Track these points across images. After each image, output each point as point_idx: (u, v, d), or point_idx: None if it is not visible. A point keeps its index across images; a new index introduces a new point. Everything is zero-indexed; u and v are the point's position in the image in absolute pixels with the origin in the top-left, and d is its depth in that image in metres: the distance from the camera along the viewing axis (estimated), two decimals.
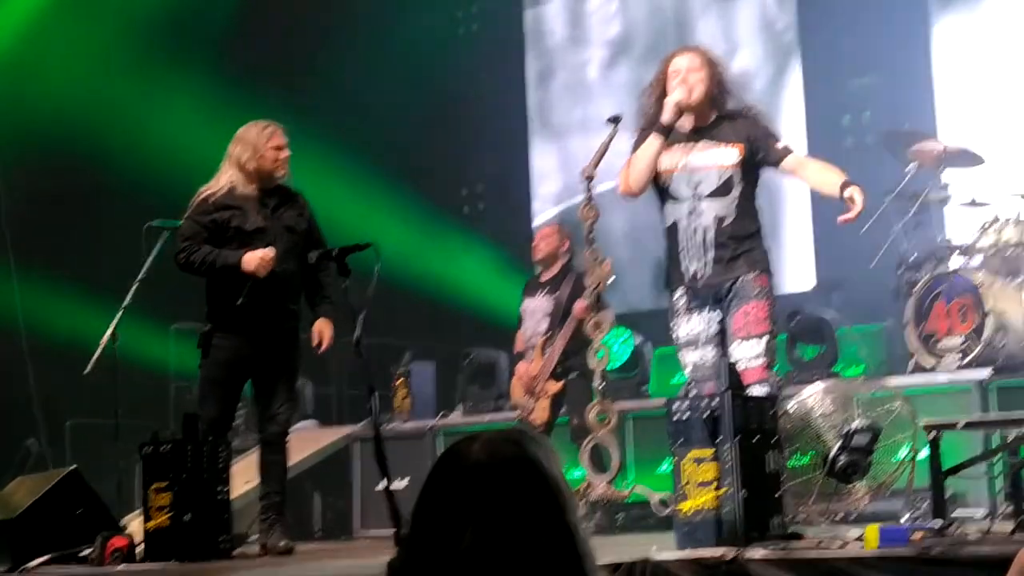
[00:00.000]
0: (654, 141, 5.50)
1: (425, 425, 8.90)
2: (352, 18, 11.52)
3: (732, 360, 5.28)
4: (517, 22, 12.29)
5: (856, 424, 5.50)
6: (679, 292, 5.53)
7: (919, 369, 7.25)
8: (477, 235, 11.23)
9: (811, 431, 5.67)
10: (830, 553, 4.46)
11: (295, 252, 6.21)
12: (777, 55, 10.79)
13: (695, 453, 4.84)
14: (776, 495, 4.94)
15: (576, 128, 11.51)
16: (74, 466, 6.44)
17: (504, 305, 8.28)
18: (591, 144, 6.36)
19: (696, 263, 5.45)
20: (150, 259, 6.53)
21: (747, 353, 5.30)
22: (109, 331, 6.52)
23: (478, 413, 8.73)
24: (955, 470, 5.05)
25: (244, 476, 6.58)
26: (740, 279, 5.38)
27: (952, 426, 5.24)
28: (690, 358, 5.49)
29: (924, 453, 5.10)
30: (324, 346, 6.41)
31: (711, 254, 5.42)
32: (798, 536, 4.92)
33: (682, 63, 5.56)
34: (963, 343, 7.10)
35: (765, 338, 5.34)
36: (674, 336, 5.60)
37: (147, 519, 6.01)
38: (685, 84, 5.47)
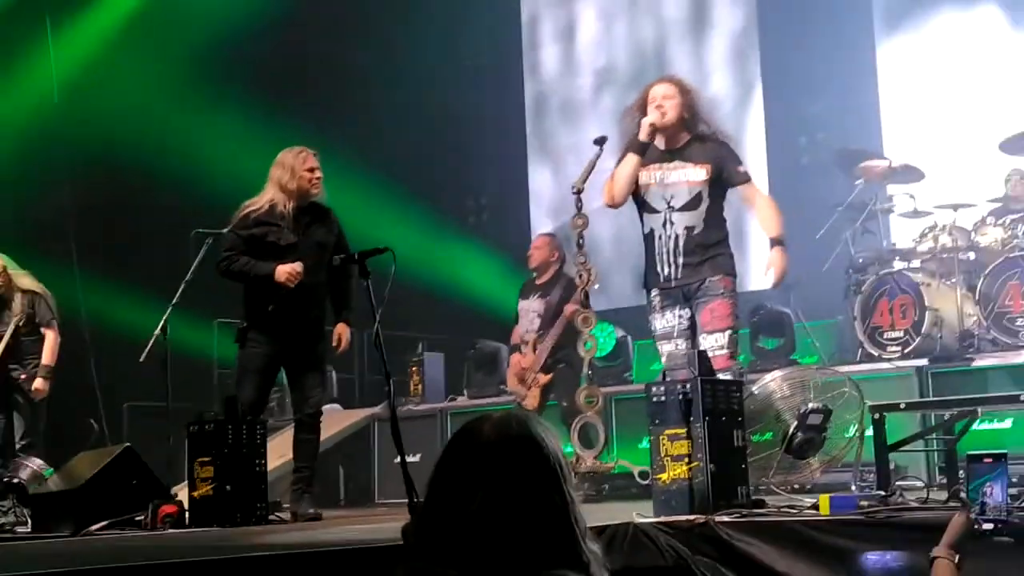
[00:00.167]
0: (632, 158, 5.53)
1: (435, 407, 8.94)
2: (375, 53, 11.51)
3: (701, 349, 5.32)
4: (517, 57, 12.30)
5: (811, 406, 5.51)
6: (655, 292, 5.55)
7: (866, 358, 7.26)
8: (481, 243, 11.22)
9: (772, 412, 5.67)
10: (788, 518, 4.46)
11: (322, 265, 6.19)
12: (742, 83, 10.78)
13: (670, 431, 4.83)
14: (741, 468, 4.93)
15: (568, 149, 11.50)
16: (128, 444, 6.44)
17: (504, 303, 8.29)
18: (581, 163, 6.35)
19: (669, 267, 5.47)
20: (196, 262, 6.53)
21: (713, 344, 5.31)
22: (160, 325, 6.51)
23: (482, 397, 8.74)
24: (897, 446, 5.05)
25: (278, 451, 6.59)
26: (707, 280, 5.40)
27: (895, 407, 5.25)
28: (665, 348, 5.52)
29: (870, 431, 5.10)
30: (342, 347, 6.43)
31: (681, 259, 5.45)
32: (761, 503, 4.92)
33: (659, 91, 5.57)
34: (904, 336, 7.11)
35: (728, 332, 5.36)
36: (651, 329, 5.63)
37: (193, 489, 6.00)
38: (660, 109, 5.49)
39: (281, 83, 10.72)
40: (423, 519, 1.97)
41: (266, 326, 6.19)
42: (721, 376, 5.20)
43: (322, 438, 6.78)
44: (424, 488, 2.01)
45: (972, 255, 7.40)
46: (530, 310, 7.78)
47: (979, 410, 5.11)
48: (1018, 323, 6.89)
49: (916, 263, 7.54)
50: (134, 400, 9.20)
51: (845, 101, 10.10)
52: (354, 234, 6.57)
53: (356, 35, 11.52)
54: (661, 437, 4.86)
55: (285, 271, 6.05)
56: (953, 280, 7.29)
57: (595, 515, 4.20)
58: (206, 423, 6.08)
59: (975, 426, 5.16)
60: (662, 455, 4.84)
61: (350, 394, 9.98)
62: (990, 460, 2.86)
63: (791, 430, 5.47)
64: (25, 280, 7.39)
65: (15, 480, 6.56)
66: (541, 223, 11.52)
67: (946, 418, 5.14)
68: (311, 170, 6.24)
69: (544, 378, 7.51)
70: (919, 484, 5.55)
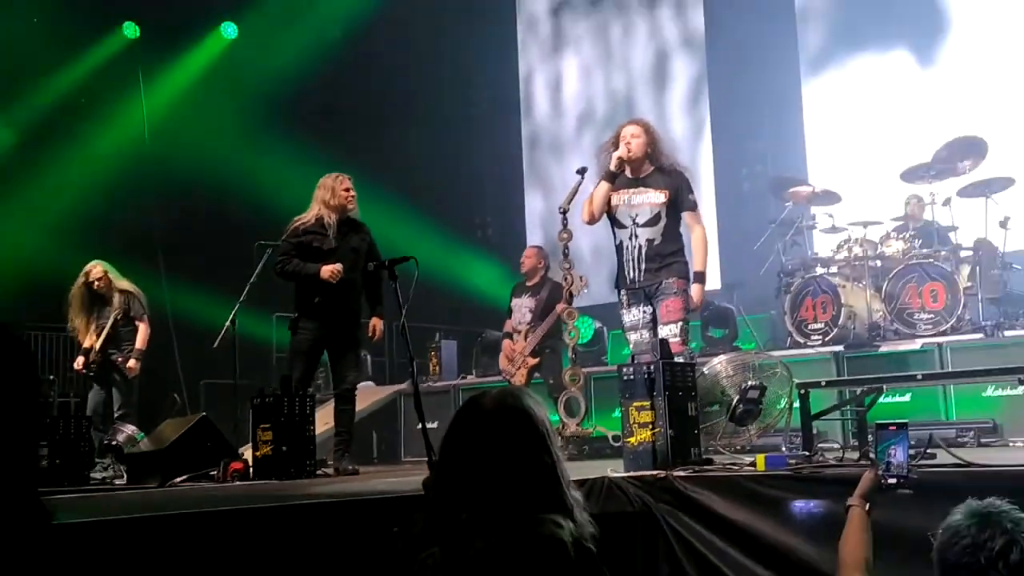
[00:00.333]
0: (604, 185, 5.56)
1: (449, 384, 8.94)
2: (402, 101, 11.53)
3: (664, 337, 5.32)
4: (515, 103, 12.31)
5: (750, 383, 5.50)
6: (623, 291, 5.55)
7: (794, 345, 7.26)
8: (485, 252, 11.24)
9: (718, 388, 5.65)
10: (732, 473, 4.46)
11: (358, 267, 6.21)
12: (695, 124, 10.80)
13: (638, 403, 4.82)
14: (694, 433, 4.92)
15: (555, 177, 11.53)
16: (204, 413, 6.44)
17: (505, 301, 8.25)
18: (566, 188, 6.36)
19: (634, 271, 5.47)
20: (258, 268, 6.53)
21: (668, 333, 5.31)
22: (230, 318, 6.52)
23: (487, 376, 8.72)
24: (819, 415, 5.04)
25: (324, 420, 6.58)
26: (663, 282, 5.40)
27: (817, 384, 5.24)
28: (632, 337, 5.52)
29: (797, 404, 5.09)
30: (376, 336, 6.40)
31: (644, 265, 5.45)
32: (710, 461, 4.91)
33: (628, 130, 5.57)
34: (824, 327, 7.11)
35: (680, 323, 5.36)
36: (621, 322, 5.63)
37: (255, 449, 5.99)
38: (628, 145, 5.50)
39: (326, 123, 10.73)
40: (439, 473, 1.98)
41: (313, 316, 6.17)
42: (675, 359, 5.21)
43: (357, 409, 6.77)
44: (440, 449, 2.01)
45: (879, 262, 7.39)
46: (522, 306, 7.78)
47: (884, 387, 5.13)
48: (915, 317, 6.90)
49: (834, 269, 7.53)
50: (209, 378, 9.19)
51: (777, 138, 10.13)
52: (384, 245, 6.57)
53: (387, 86, 11.53)
54: (630, 408, 4.85)
55: (329, 270, 6.06)
56: (863, 282, 7.29)
57: (577, 471, 4.20)
58: (266, 396, 6.07)
59: (881, 400, 5.16)
60: (631, 422, 4.84)
61: (381, 373, 9.97)
62: (894, 428, 2.85)
63: (734, 403, 5.46)
64: (122, 282, 7.39)
65: (114, 442, 6.56)
66: (534, 237, 11.54)
67: (858, 393, 5.13)
68: (347, 190, 6.27)
69: (532, 360, 7.51)
70: (836, 447, 5.57)
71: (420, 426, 4.43)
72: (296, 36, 10.73)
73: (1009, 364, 5.38)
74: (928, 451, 3.94)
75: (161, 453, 5.92)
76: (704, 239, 5.55)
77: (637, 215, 5.49)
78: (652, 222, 5.46)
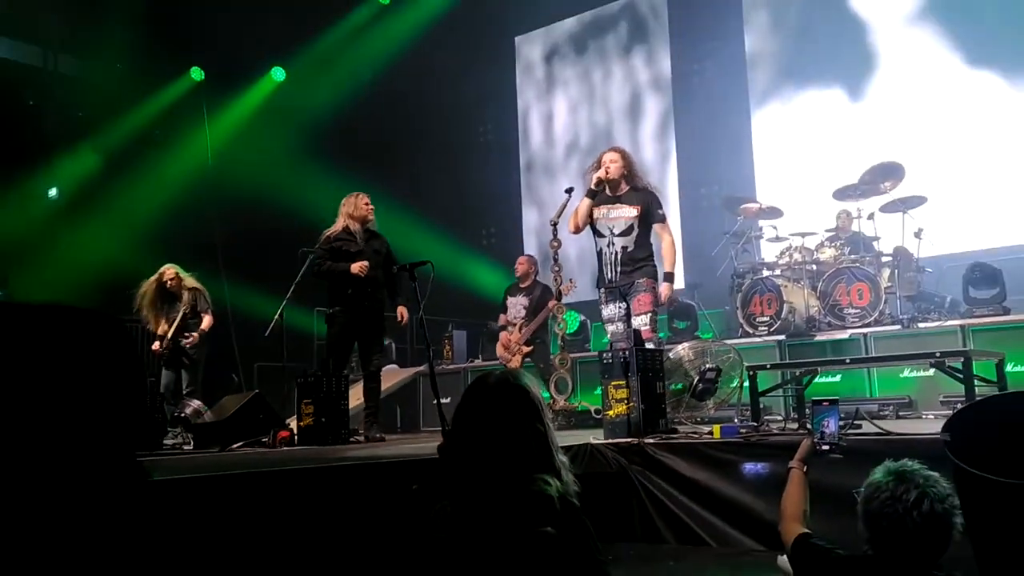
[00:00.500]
0: (587, 201, 5.55)
1: (460, 367, 8.94)
2: (421, 131, 11.54)
3: (637, 328, 5.31)
4: (514, 133, 12.31)
5: (708, 366, 5.51)
6: (602, 290, 5.55)
7: (744, 335, 7.25)
8: (490, 258, 11.23)
9: (682, 370, 5.66)
10: (693, 440, 4.46)
11: (380, 265, 6.25)
12: (663, 152, 10.80)
13: (615, 382, 4.84)
14: (661, 407, 4.93)
15: (547, 195, 11.52)
16: (257, 390, 6.44)
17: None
18: (556, 204, 6.35)
19: (612, 273, 5.47)
20: (303, 270, 6.53)
21: (640, 323, 5.31)
22: (279, 311, 6.52)
23: (491, 360, 8.72)
24: (765, 393, 5.05)
25: (356, 396, 6.58)
26: (635, 282, 5.40)
27: (763, 367, 5.24)
28: (609, 328, 5.50)
29: (747, 383, 5.10)
30: (404, 321, 6.41)
31: (619, 268, 5.45)
32: (675, 431, 4.92)
33: (608, 156, 5.58)
34: (770, 320, 7.11)
35: (649, 314, 5.35)
36: (601, 316, 5.62)
37: (300, 420, 6.01)
38: (607, 168, 5.50)
39: (358, 151, 10.70)
40: (451, 440, 1.98)
41: (344, 308, 6.18)
42: (646, 345, 5.21)
43: (384, 387, 6.78)
44: (452, 419, 2.01)
45: (815, 266, 7.39)
46: (517, 303, 7.79)
47: (819, 369, 5.13)
48: (845, 311, 6.89)
49: (777, 271, 7.52)
50: (262, 361, 9.19)
51: (731, 163, 10.12)
52: (406, 251, 6.59)
53: (408, 120, 11.54)
54: (609, 387, 4.86)
55: (358, 266, 6.10)
56: (802, 283, 7.29)
57: (565, 439, 4.22)
58: (308, 376, 6.08)
59: (816, 380, 5.17)
60: (609, 398, 4.85)
61: (403, 358, 9.97)
62: (827, 403, 2.85)
63: (695, 382, 5.48)
64: (190, 281, 7.38)
65: (182, 415, 6.56)
66: (529, 244, 11.54)
67: (797, 374, 5.14)
68: (367, 204, 6.36)
69: (526, 349, 7.52)
70: (779, 419, 5.56)
71: (435, 401, 4.42)
72: (333, 78, 10.73)
73: (922, 350, 5.39)
74: (855, 422, 3.96)
75: (222, 424, 5.93)
76: (672, 245, 5.54)
77: (614, 226, 5.48)
78: (626, 232, 5.46)
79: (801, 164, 9.29)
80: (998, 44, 8.50)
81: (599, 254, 5.55)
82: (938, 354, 4.51)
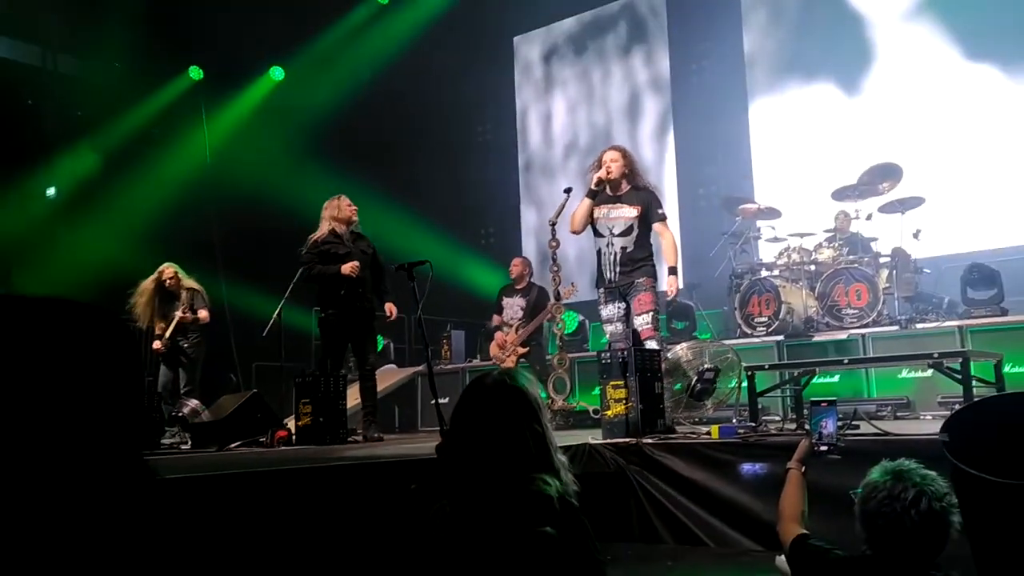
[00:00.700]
0: (587, 201, 5.54)
1: (458, 366, 8.91)
2: (420, 131, 11.52)
3: (634, 327, 5.31)
4: (513, 133, 12.30)
5: (706, 366, 5.51)
6: (601, 290, 5.54)
7: (743, 335, 7.25)
8: (488, 258, 11.21)
9: (680, 370, 5.66)
10: (691, 440, 4.46)
11: (368, 265, 6.27)
12: (661, 152, 10.79)
13: (614, 382, 4.84)
14: (660, 407, 4.94)
15: (546, 195, 11.51)
16: (255, 390, 6.43)
17: None
18: (555, 204, 6.35)
19: (611, 273, 5.46)
20: (295, 280, 6.53)
21: (641, 322, 5.31)
22: (277, 311, 6.52)
23: (488, 360, 8.71)
24: (763, 393, 5.05)
25: (353, 396, 6.59)
26: (635, 282, 5.39)
27: (761, 368, 5.25)
28: (608, 329, 5.50)
29: (745, 383, 5.10)
30: (393, 317, 6.41)
31: (618, 268, 5.44)
32: (673, 431, 4.92)
33: (608, 155, 5.56)
34: (768, 320, 7.11)
35: (651, 313, 5.33)
36: (600, 316, 5.61)
37: (297, 420, 6.00)
38: (607, 167, 5.49)
39: (357, 150, 10.69)
40: (450, 438, 1.97)
41: (335, 309, 6.19)
42: (648, 344, 5.21)
43: (382, 387, 6.78)
44: (450, 419, 2.01)
45: (813, 267, 7.39)
46: (514, 304, 7.80)
47: (817, 369, 5.13)
48: (843, 312, 6.90)
49: (776, 272, 7.53)
50: (260, 361, 9.18)
51: (729, 164, 10.12)
52: (404, 251, 6.59)
53: (408, 120, 11.52)
54: (607, 387, 4.87)
55: (348, 266, 6.12)
56: (800, 283, 7.29)
57: (563, 439, 4.21)
58: (306, 376, 6.08)
59: (815, 380, 5.17)
60: (608, 398, 4.85)
61: (402, 357, 9.95)
62: (825, 403, 2.85)
63: (693, 382, 5.48)
64: (189, 281, 7.38)
65: (180, 414, 6.55)
66: (528, 245, 11.54)
67: (795, 375, 5.14)
68: (349, 206, 6.37)
69: (522, 350, 7.51)
70: (777, 419, 5.57)
71: (434, 401, 4.42)
72: (332, 78, 10.72)
73: (920, 351, 5.39)
74: (853, 423, 3.96)
75: (219, 423, 5.93)
76: (674, 242, 5.53)
77: (613, 226, 5.47)
78: (626, 233, 5.45)
79: (799, 165, 9.29)
80: (997, 44, 8.51)
81: (598, 254, 5.54)
82: (936, 355, 4.51)
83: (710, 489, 4.09)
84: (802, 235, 7.51)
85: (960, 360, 4.34)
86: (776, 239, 7.89)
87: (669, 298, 5.49)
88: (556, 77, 12.01)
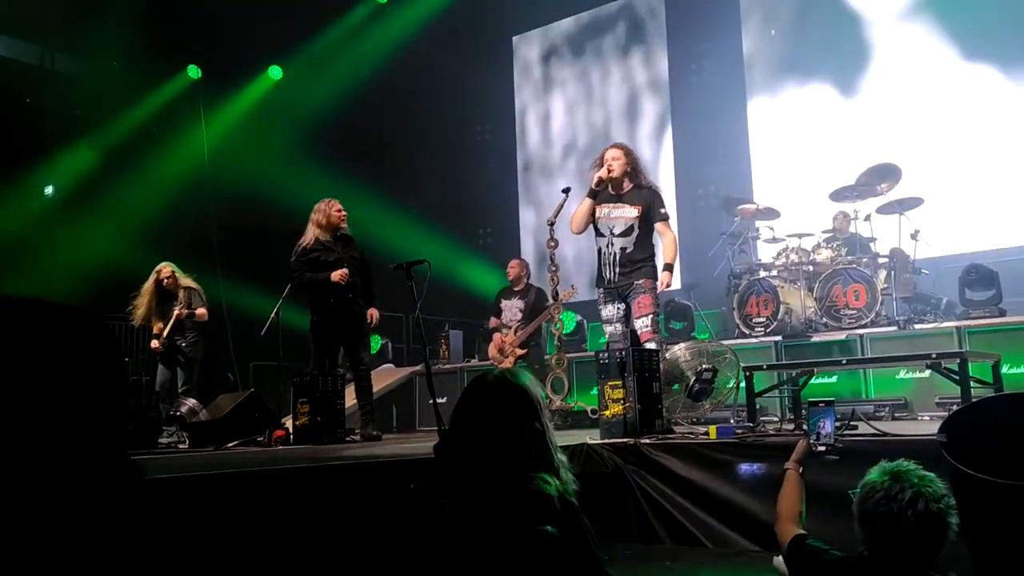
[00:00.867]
0: (587, 200, 5.52)
1: (456, 366, 8.90)
2: (417, 131, 11.52)
3: (634, 329, 5.30)
4: (512, 133, 12.30)
5: (704, 366, 5.51)
6: (601, 291, 5.53)
7: (741, 335, 7.24)
8: (487, 258, 11.21)
9: (678, 371, 5.67)
10: (689, 440, 4.46)
11: (356, 270, 6.27)
12: (660, 152, 10.79)
13: (612, 383, 4.83)
14: (658, 407, 4.93)
15: (544, 195, 11.52)
16: (253, 389, 6.43)
17: None
18: (553, 205, 6.34)
19: (611, 273, 5.45)
20: (286, 291, 6.52)
21: (641, 325, 5.30)
22: (275, 310, 6.52)
23: (487, 360, 8.71)
24: (761, 393, 5.04)
25: (351, 396, 6.60)
26: (635, 283, 5.38)
27: (760, 368, 5.23)
28: (608, 329, 5.49)
29: (743, 384, 5.10)
30: (374, 323, 6.39)
31: (618, 269, 5.42)
32: (671, 431, 4.92)
33: (610, 153, 5.54)
34: (766, 320, 7.11)
35: (651, 316, 5.33)
36: (600, 316, 5.59)
37: (295, 419, 6.00)
38: (608, 166, 5.47)
39: (355, 150, 10.70)
40: (451, 436, 1.97)
41: (326, 315, 6.19)
42: (648, 346, 5.21)
43: (380, 387, 6.77)
44: (450, 418, 2.01)
45: (811, 267, 7.39)
46: (512, 306, 7.81)
47: (815, 370, 5.13)
48: (841, 312, 6.90)
49: (774, 272, 7.53)
50: (258, 360, 9.17)
51: (728, 164, 10.13)
52: (403, 250, 6.58)
53: (407, 120, 11.53)
54: (605, 387, 4.86)
55: (338, 275, 6.10)
56: (799, 284, 7.29)
57: (561, 439, 4.21)
58: (304, 376, 6.08)
59: (813, 381, 5.17)
60: (606, 398, 4.84)
61: (400, 357, 9.95)
62: (823, 404, 2.85)
63: (691, 382, 5.48)
64: (186, 280, 7.38)
65: (178, 413, 6.55)
66: (526, 245, 11.55)
67: (793, 375, 5.13)
68: (339, 211, 6.32)
69: (520, 351, 7.53)
70: (775, 419, 5.57)
71: (432, 401, 4.42)
72: (331, 77, 10.72)
73: (918, 352, 5.39)
74: (851, 423, 3.96)
75: (217, 422, 5.92)
76: (674, 242, 5.51)
77: (614, 226, 5.46)
78: (626, 233, 5.44)
79: (798, 165, 9.30)
80: (995, 44, 8.51)
81: (599, 253, 5.53)
82: (934, 355, 4.51)
83: (708, 489, 4.09)
84: (801, 235, 7.51)
85: (958, 361, 4.33)
86: (775, 239, 7.89)
87: (660, 291, 5.46)
88: (555, 77, 12.01)
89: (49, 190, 9.80)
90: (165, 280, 7.23)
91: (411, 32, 11.10)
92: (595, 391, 5.11)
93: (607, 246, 5.45)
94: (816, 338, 6.79)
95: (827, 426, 2.78)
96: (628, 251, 5.41)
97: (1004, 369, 5.06)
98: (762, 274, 7.51)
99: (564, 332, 7.52)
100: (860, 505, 2.07)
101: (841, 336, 6.65)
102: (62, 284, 8.42)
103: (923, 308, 7.05)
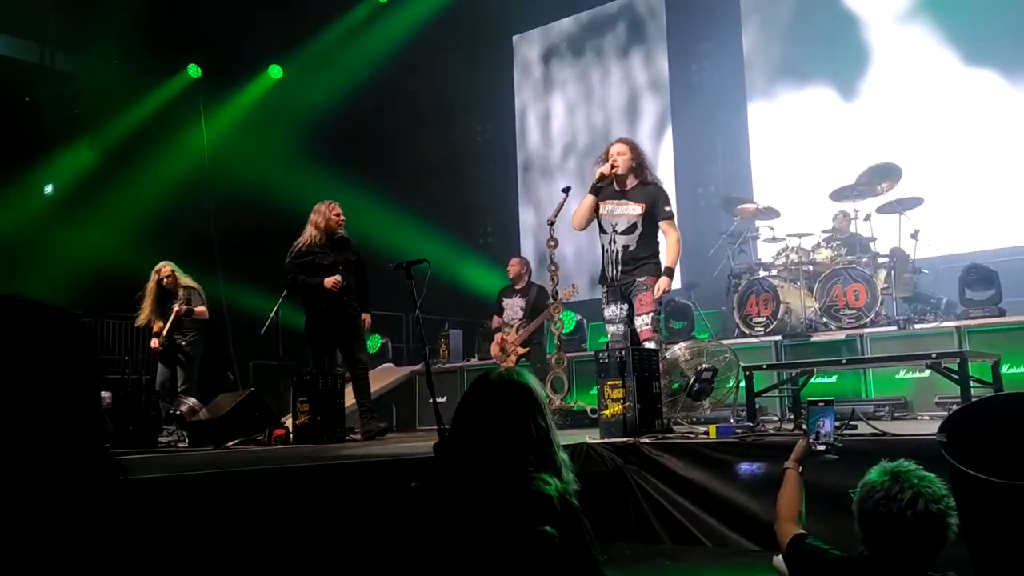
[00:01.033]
0: (589, 198, 5.49)
1: (456, 365, 8.89)
2: (419, 130, 11.51)
3: (635, 327, 5.29)
4: (512, 133, 12.29)
5: (704, 366, 5.52)
6: (604, 289, 5.49)
7: (741, 335, 7.24)
8: (487, 257, 11.21)
9: (678, 370, 5.67)
10: (689, 440, 4.46)
11: (351, 272, 6.27)
12: (660, 152, 10.76)
13: (611, 382, 4.83)
14: (657, 407, 4.93)
15: (544, 195, 11.51)
16: (253, 388, 6.43)
17: None
18: (553, 204, 6.33)
19: (612, 270, 5.41)
20: (280, 298, 6.52)
21: (641, 323, 5.29)
22: (275, 309, 6.51)
23: (487, 360, 8.70)
24: (761, 393, 5.04)
25: (351, 395, 6.59)
26: (637, 281, 5.34)
27: (759, 367, 5.23)
28: (611, 330, 5.44)
29: (743, 383, 5.10)
30: (366, 327, 6.41)
31: (620, 267, 5.38)
32: (670, 430, 4.92)
33: (615, 148, 5.49)
34: (766, 320, 7.10)
35: (651, 314, 5.30)
36: (603, 315, 5.53)
37: (295, 419, 6.00)
38: (613, 161, 5.43)
39: (355, 149, 10.71)
40: (452, 435, 1.97)
41: (320, 317, 6.19)
42: (647, 344, 5.20)
43: (380, 385, 6.76)
44: (451, 417, 2.01)
45: (811, 267, 7.39)
46: (514, 305, 7.80)
47: (815, 369, 5.13)
48: (841, 312, 6.89)
49: (774, 272, 7.52)
50: (257, 359, 9.17)
51: (728, 164, 10.13)
52: (403, 250, 6.58)
53: (407, 120, 11.54)
54: (605, 386, 4.86)
55: (331, 281, 6.10)
56: (798, 283, 7.29)
57: (561, 439, 4.20)
58: (304, 375, 6.07)
59: (812, 380, 5.16)
60: (605, 398, 4.84)
61: (400, 356, 9.95)
62: (823, 403, 2.85)
63: (691, 382, 5.48)
64: (186, 279, 7.38)
65: (178, 412, 6.55)
66: (526, 244, 11.55)
67: (793, 375, 5.13)
68: (337, 214, 6.32)
69: (522, 350, 7.51)
70: (775, 419, 5.57)
71: (432, 400, 4.42)
72: (331, 76, 10.72)
73: (918, 352, 5.39)
74: (851, 423, 3.96)
75: (217, 421, 5.92)
76: (677, 242, 5.41)
77: (617, 223, 5.42)
78: (629, 231, 5.40)
79: (798, 165, 9.29)
80: (994, 45, 8.51)
81: (602, 250, 5.49)
82: (934, 355, 4.51)
83: (708, 489, 4.09)
84: (800, 235, 7.51)
85: (958, 360, 4.34)
86: (774, 239, 7.89)
87: (655, 296, 5.45)
88: (555, 77, 12.01)
89: (49, 189, 9.81)
90: (165, 279, 7.23)
91: (411, 32, 11.10)
92: (595, 390, 5.10)
93: (610, 243, 5.40)
94: (816, 338, 6.78)
95: (827, 425, 2.78)
96: (631, 249, 5.37)
97: (1004, 369, 5.06)
98: (762, 274, 7.50)
99: (564, 332, 7.52)
100: (860, 505, 2.07)
101: (841, 336, 6.65)
102: (62, 283, 8.42)
103: (923, 308, 7.04)
